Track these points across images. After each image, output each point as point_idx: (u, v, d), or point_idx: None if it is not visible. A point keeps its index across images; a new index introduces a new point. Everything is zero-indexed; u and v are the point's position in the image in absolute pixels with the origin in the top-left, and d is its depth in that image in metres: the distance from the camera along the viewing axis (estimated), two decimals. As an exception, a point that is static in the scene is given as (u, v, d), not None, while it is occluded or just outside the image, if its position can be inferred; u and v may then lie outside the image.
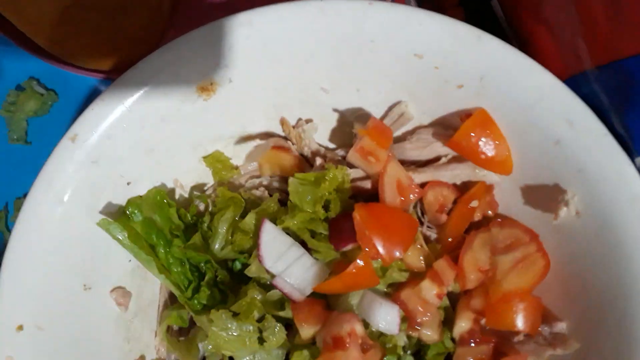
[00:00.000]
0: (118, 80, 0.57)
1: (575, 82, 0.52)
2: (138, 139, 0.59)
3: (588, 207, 0.52)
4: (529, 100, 0.53)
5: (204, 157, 0.65)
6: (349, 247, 0.55)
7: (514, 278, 0.54)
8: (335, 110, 0.64)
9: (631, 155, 0.49)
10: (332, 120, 0.66)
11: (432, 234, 0.60)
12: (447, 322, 0.58)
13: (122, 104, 0.57)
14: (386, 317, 0.54)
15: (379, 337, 0.56)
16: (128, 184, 0.61)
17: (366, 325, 0.55)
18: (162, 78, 0.57)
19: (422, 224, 0.60)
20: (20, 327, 0.55)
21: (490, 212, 0.59)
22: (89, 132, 0.57)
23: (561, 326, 0.54)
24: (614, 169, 0.50)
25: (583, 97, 0.51)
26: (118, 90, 0.57)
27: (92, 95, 0.80)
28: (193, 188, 0.67)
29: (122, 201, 0.61)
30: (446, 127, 0.60)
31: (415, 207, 0.61)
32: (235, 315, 0.56)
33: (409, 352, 0.58)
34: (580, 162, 0.51)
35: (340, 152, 0.66)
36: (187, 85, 0.58)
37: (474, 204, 0.58)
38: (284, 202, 0.62)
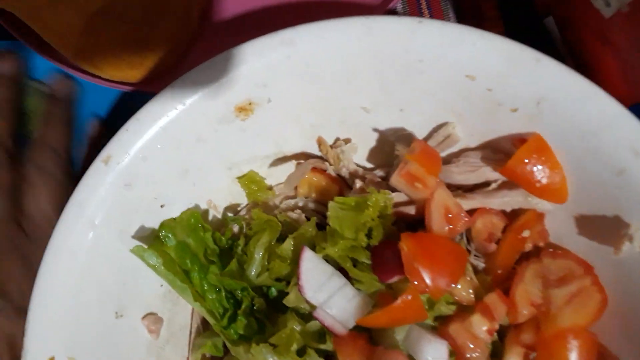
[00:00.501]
0: (153, 99, 0.55)
1: (641, 110, 0.49)
2: (173, 160, 0.57)
3: (655, 243, 0.49)
4: (591, 127, 0.50)
5: (239, 178, 0.62)
6: (395, 279, 0.53)
7: (569, 313, 0.51)
8: (375, 130, 0.62)
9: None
10: (371, 140, 0.63)
11: (480, 264, 0.57)
12: (495, 356, 0.55)
13: (157, 124, 0.55)
14: (435, 354, 0.51)
15: None
16: (162, 206, 0.59)
17: None
18: (198, 97, 0.55)
19: (469, 253, 0.57)
20: (52, 359, 0.53)
21: (541, 242, 0.56)
22: (122, 154, 0.55)
23: (620, 367, 0.52)
24: (683, 203, 0.47)
25: (650, 126, 0.48)
26: (153, 110, 0.55)
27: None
28: (226, 209, 0.65)
29: (155, 224, 0.59)
30: (495, 151, 0.57)
31: (462, 235, 0.59)
32: (274, 347, 0.54)
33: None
34: (646, 194, 0.48)
35: (379, 173, 0.63)
36: (225, 105, 0.56)
37: (526, 233, 0.55)
38: (321, 225, 0.60)
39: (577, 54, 0.58)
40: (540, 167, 0.52)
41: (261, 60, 0.54)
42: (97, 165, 0.55)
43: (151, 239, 0.58)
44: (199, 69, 0.55)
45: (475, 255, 0.58)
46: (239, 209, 0.66)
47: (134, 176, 0.56)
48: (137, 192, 0.56)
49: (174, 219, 0.60)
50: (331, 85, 0.56)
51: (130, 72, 0.72)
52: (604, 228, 0.52)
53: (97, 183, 0.55)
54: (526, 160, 0.52)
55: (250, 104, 0.56)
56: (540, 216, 0.57)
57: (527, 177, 0.53)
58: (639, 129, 0.48)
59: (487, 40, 0.50)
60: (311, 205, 0.64)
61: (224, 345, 0.61)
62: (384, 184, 0.61)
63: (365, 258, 0.55)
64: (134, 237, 0.57)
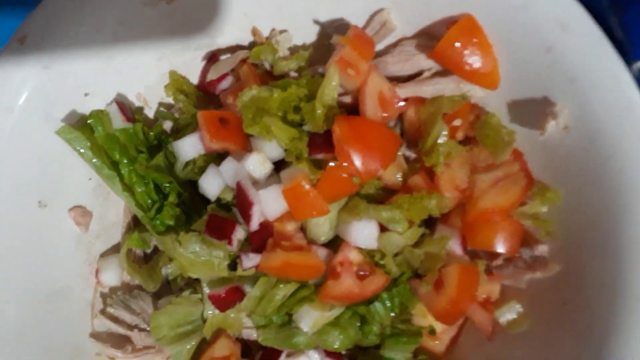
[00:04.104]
0: (70, -25, 0.52)
1: (571, -20, 0.47)
2: (96, 43, 0.54)
3: (578, 121, 0.48)
4: (520, 1, 0.48)
5: (166, 86, 0.60)
6: (321, 155, 0.51)
7: (492, 196, 0.51)
8: (312, 20, 0.59)
9: (628, 60, 0.45)
10: (309, 33, 0.61)
11: (412, 155, 0.56)
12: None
13: (76, 2, 0.52)
14: (365, 232, 0.51)
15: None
16: (86, 94, 0.57)
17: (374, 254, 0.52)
18: (119, -25, 0.52)
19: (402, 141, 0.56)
20: (-33, 240, 0.52)
21: (472, 132, 0.55)
22: (39, 34, 0.52)
23: (542, 249, 0.51)
24: (608, 76, 0.45)
25: (580, -4, 0.46)
26: (70, -12, 0.52)
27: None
28: (161, 105, 0.63)
29: (79, 114, 0.57)
30: (431, 38, 0.55)
31: (394, 126, 0.57)
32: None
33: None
34: (573, 70, 0.47)
35: (320, 70, 0.61)
36: (148, -17, 0.53)
37: (457, 122, 0.54)
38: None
39: None
40: (470, 49, 0.51)
41: None
42: (12, 44, 0.52)
43: (78, 127, 0.57)
44: (119, -57, 0.52)
45: (406, 147, 0.56)
46: (173, 108, 0.63)
47: (53, 58, 0.53)
48: (58, 76, 0.54)
49: (102, 110, 0.58)
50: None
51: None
52: (534, 112, 0.51)
53: (13, 64, 0.52)
54: (457, 43, 0.51)
55: (174, -16, 0.54)
56: (473, 107, 0.55)
57: (458, 61, 0.52)
58: (565, 1, 0.46)
59: None
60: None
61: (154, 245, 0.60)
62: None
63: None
64: (56, 123, 0.55)
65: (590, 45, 0.46)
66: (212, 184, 0.55)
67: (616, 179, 0.45)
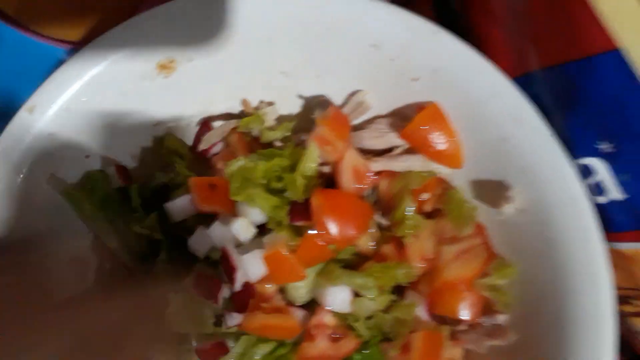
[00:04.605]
0: (79, 52, 0.58)
1: (524, 82, 0.53)
2: (97, 112, 0.60)
3: (531, 205, 0.53)
4: (480, 97, 0.53)
5: (163, 152, 0.65)
6: (301, 222, 0.56)
7: (456, 267, 0.56)
8: (297, 95, 0.65)
9: (572, 156, 0.51)
10: (294, 105, 0.66)
11: (384, 222, 0.61)
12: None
13: (82, 77, 0.58)
14: (339, 297, 0.55)
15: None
16: (87, 157, 0.62)
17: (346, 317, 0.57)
18: (123, 53, 0.58)
19: (375, 210, 0.61)
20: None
21: (440, 205, 0.60)
22: (47, 104, 0.57)
23: (501, 318, 0.56)
24: (555, 169, 0.51)
25: (531, 96, 0.51)
26: (79, 63, 0.57)
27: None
28: (155, 163, 0.67)
29: (80, 174, 0.62)
30: (402, 119, 0.61)
31: (371, 194, 0.62)
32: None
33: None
34: (525, 160, 0.53)
35: (304, 137, 0.66)
36: (148, 61, 0.58)
37: (425, 196, 0.59)
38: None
39: (472, 30, 0.61)
40: (435, 133, 0.56)
41: (183, 19, 0.57)
42: (21, 114, 0.57)
43: (77, 187, 0.61)
44: (125, 26, 0.57)
45: (380, 215, 0.62)
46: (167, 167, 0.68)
47: (59, 127, 0.58)
48: (62, 142, 0.59)
49: (101, 170, 0.63)
50: (250, 46, 0.59)
51: (73, 30, 0.74)
52: (493, 192, 0.56)
53: (22, 133, 0.57)
54: (422, 127, 0.56)
55: (172, 61, 0.59)
56: (440, 181, 0.61)
57: (424, 143, 0.57)
58: (520, 100, 0.52)
59: (389, 11, 0.54)
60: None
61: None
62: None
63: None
64: (60, 183, 0.60)
65: (539, 139, 0.51)
66: (200, 245, 0.60)
67: (562, 262, 0.51)
